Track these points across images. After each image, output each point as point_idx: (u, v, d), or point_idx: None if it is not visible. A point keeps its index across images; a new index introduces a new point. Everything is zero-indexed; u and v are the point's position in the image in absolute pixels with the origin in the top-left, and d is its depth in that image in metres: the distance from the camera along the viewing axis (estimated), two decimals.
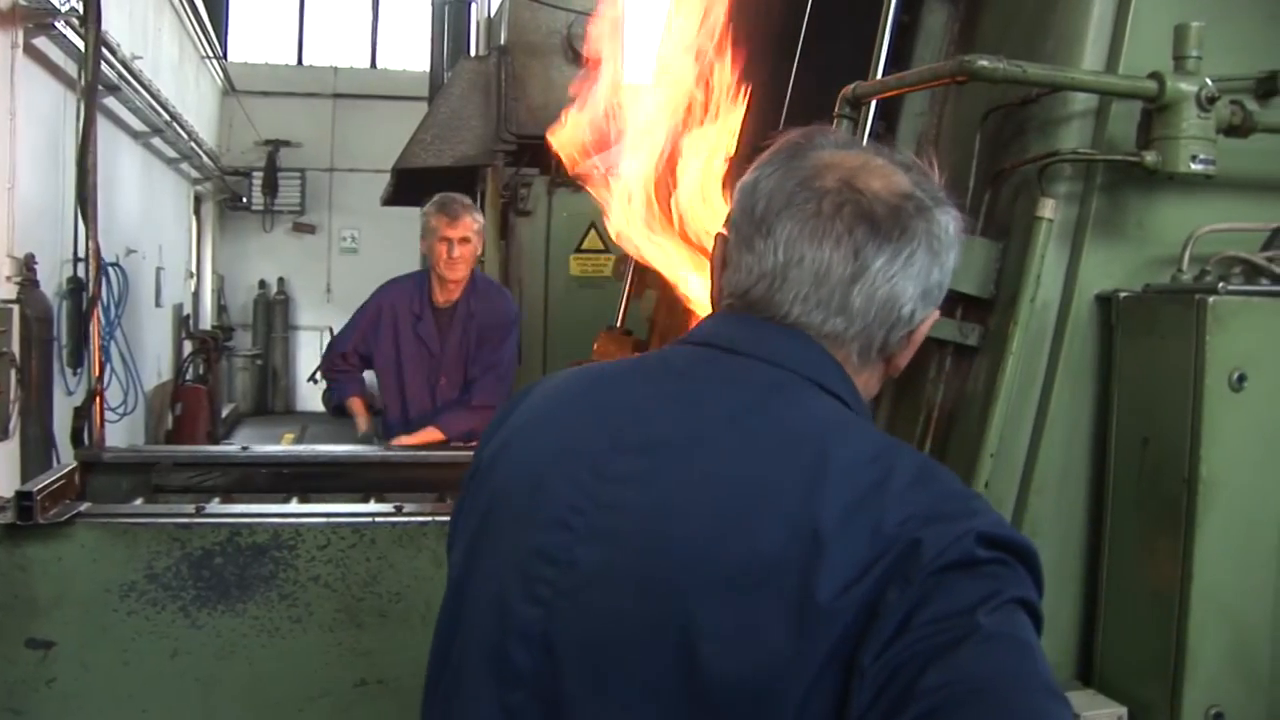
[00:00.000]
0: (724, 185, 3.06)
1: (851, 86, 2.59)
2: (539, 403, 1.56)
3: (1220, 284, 2.15)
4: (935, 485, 1.30)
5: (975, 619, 1.17)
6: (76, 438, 4.10)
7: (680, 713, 1.25)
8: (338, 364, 5.40)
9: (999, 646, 1.17)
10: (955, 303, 2.45)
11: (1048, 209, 2.29)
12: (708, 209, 3.05)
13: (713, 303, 1.56)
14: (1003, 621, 1.18)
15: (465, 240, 5.05)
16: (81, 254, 4.39)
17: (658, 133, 3.28)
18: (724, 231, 1.51)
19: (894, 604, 1.18)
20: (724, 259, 1.50)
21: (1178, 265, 2.28)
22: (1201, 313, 2.10)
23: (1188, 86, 2.20)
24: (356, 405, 5.40)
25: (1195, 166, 2.20)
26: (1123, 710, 2.18)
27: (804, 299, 1.40)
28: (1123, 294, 2.30)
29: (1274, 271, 2.25)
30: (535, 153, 8.70)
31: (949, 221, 1.45)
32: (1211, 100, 2.20)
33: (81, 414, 4.14)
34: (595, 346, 4.17)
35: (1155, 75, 2.21)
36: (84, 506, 3.18)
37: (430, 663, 1.57)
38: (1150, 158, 2.22)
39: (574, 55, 8.49)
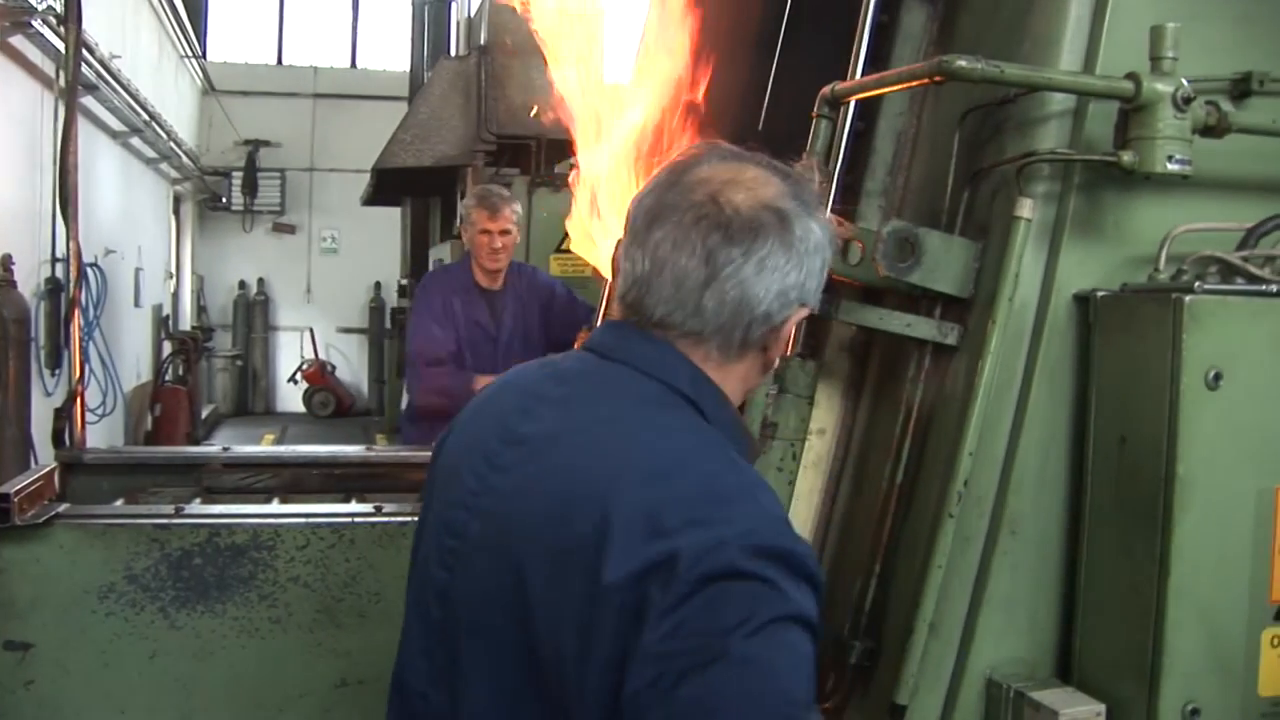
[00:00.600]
0: None
1: (830, 86, 2.60)
2: (474, 400, 1.83)
3: (1196, 283, 2.16)
4: (712, 490, 1.47)
5: (727, 643, 1.32)
6: (57, 438, 4.07)
7: (520, 660, 1.49)
8: (437, 349, 5.21)
9: (745, 672, 1.32)
10: (934, 302, 2.46)
11: (1026, 209, 2.30)
12: None
13: (610, 301, 1.71)
14: (757, 645, 1.33)
15: (506, 232, 5.20)
16: (61, 254, 4.38)
17: (624, 135, 3.29)
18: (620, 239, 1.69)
19: (658, 602, 1.36)
20: (616, 264, 1.70)
21: (1154, 265, 2.29)
22: (1178, 312, 2.11)
23: (1164, 87, 2.21)
24: (486, 383, 5.26)
25: (1171, 167, 2.22)
26: (1101, 707, 2.19)
27: (666, 301, 1.58)
28: (1100, 293, 2.31)
29: (1249, 271, 2.26)
30: (515, 152, 8.70)
31: (813, 227, 1.60)
32: (1187, 101, 2.21)
33: (62, 415, 4.12)
34: (575, 345, 4.17)
35: (1132, 76, 2.22)
36: (62, 508, 3.16)
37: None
38: (1127, 158, 2.23)
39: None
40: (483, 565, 1.57)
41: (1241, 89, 2.40)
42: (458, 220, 5.35)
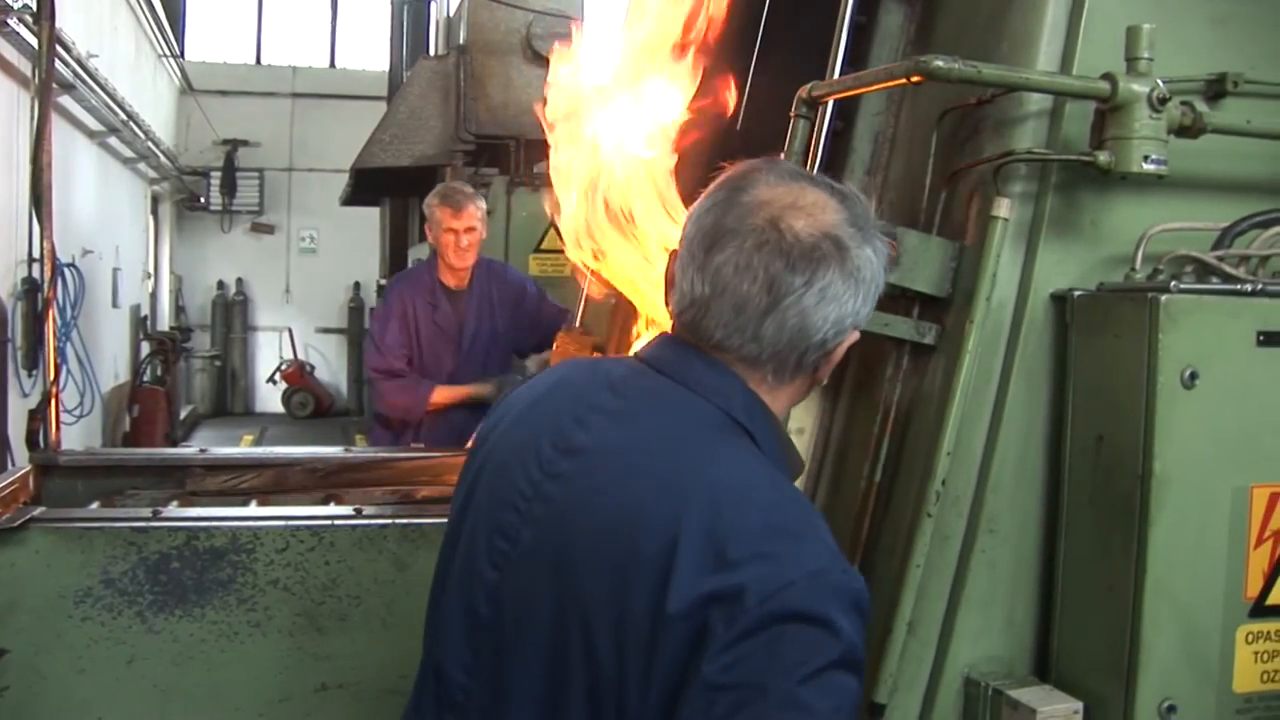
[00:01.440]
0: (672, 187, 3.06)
1: (808, 87, 2.60)
2: (518, 402, 1.83)
3: (1172, 283, 2.17)
4: (778, 523, 1.51)
5: (784, 686, 1.38)
6: (32, 440, 4.05)
7: (572, 670, 1.52)
8: (388, 363, 5.24)
9: (797, 717, 1.37)
10: (912, 302, 2.47)
11: (1003, 208, 2.31)
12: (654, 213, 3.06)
13: (669, 313, 1.74)
14: (812, 693, 1.39)
15: (471, 229, 5.14)
16: (36, 255, 4.35)
17: (609, 133, 3.28)
18: (677, 249, 1.70)
19: (720, 634, 1.40)
20: (671, 279, 1.71)
21: (1131, 264, 2.30)
22: (1154, 311, 2.12)
23: (1139, 87, 2.22)
24: (443, 395, 5.20)
25: (1147, 166, 2.23)
26: (1079, 705, 2.20)
27: (725, 325, 1.60)
28: (1077, 293, 2.32)
29: (1224, 270, 2.28)
30: (494, 152, 8.69)
31: (869, 256, 1.63)
32: (1163, 101, 2.22)
33: (36, 416, 4.09)
34: (555, 346, 4.16)
35: (1108, 76, 2.23)
36: (37, 511, 3.14)
37: (430, 599, 1.85)
38: (1103, 158, 2.24)
39: (533, 55, 8.48)
40: (537, 573, 1.60)
41: (1216, 90, 2.42)
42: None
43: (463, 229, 5.12)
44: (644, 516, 1.51)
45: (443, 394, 5.14)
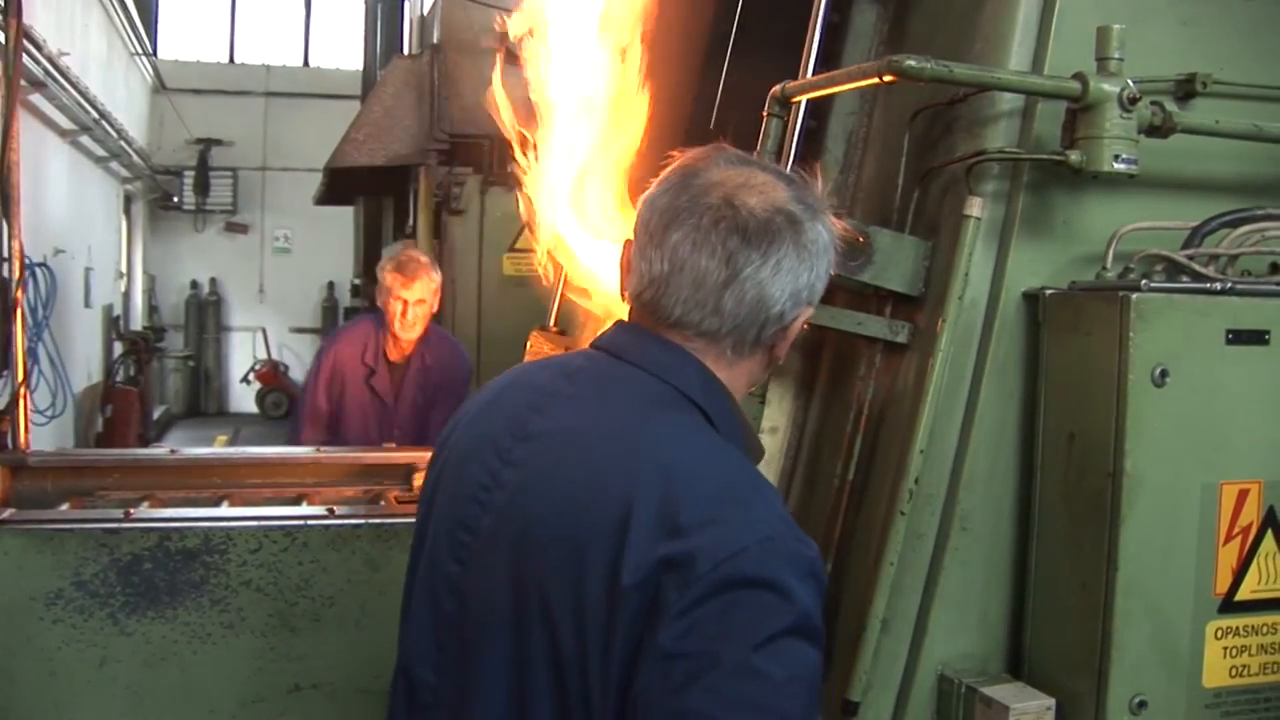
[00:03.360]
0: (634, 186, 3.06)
1: (780, 86, 2.60)
2: (481, 395, 1.86)
3: (1143, 281, 2.19)
4: (728, 491, 1.53)
5: (739, 653, 1.39)
6: (0, 441, 4.02)
7: (536, 654, 1.53)
8: (321, 418, 5.16)
9: (752, 684, 1.39)
10: (885, 301, 2.47)
11: (975, 207, 2.32)
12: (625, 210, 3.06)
13: (624, 300, 1.78)
14: (767, 659, 1.40)
15: (421, 301, 4.92)
16: (5, 254, 4.33)
17: (580, 133, 3.27)
18: (630, 239, 1.74)
19: (674, 601, 1.41)
20: (627, 264, 1.74)
21: (1102, 263, 2.31)
22: (1125, 310, 2.13)
23: (1110, 87, 2.23)
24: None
25: (1118, 166, 2.24)
26: (1051, 701, 2.21)
27: (684, 301, 1.63)
28: (1049, 291, 2.33)
29: (1194, 269, 2.29)
30: (468, 152, 8.67)
31: (820, 231, 1.68)
32: (1133, 101, 2.24)
33: (5, 417, 4.06)
34: (529, 345, 4.15)
35: (1079, 76, 2.24)
36: (8, 513, 3.12)
37: (402, 605, 1.86)
38: (1075, 157, 2.25)
39: (507, 54, 8.45)
40: (496, 559, 1.62)
41: (1186, 90, 2.43)
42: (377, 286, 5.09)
43: (413, 300, 4.89)
44: (598, 493, 1.53)
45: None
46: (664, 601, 1.42)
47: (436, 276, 5.00)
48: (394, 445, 4.74)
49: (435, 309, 5.06)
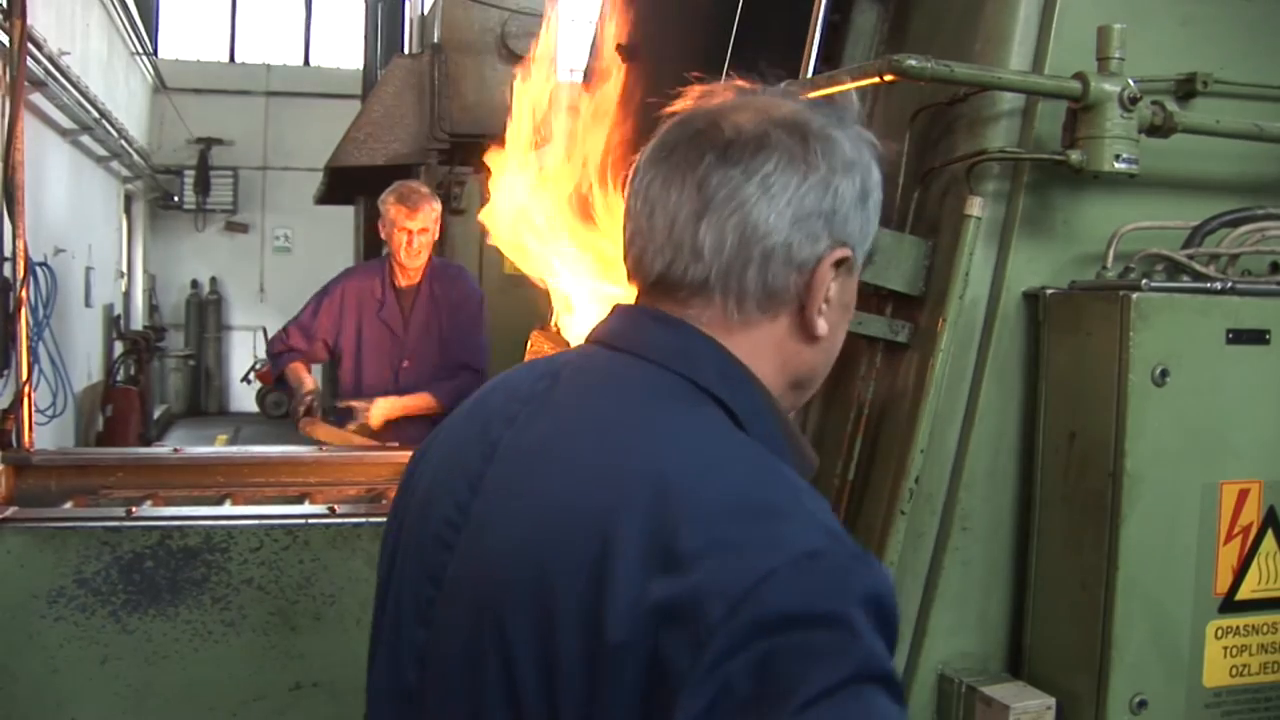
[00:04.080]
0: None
1: (782, 85, 2.60)
2: (460, 408, 1.47)
3: (1143, 281, 2.19)
4: (744, 499, 1.13)
5: None
6: (4, 440, 4.03)
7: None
8: (287, 340, 5.42)
9: None
10: (885, 300, 2.48)
11: (975, 207, 2.32)
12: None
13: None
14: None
15: (424, 230, 5.14)
16: (8, 254, 4.32)
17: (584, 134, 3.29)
18: None
19: (684, 670, 1.02)
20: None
21: (1102, 263, 2.32)
22: (1125, 309, 2.14)
23: (1111, 87, 2.23)
24: (298, 368, 5.39)
25: (1119, 165, 2.24)
26: (1051, 701, 2.22)
27: (661, 250, 1.28)
28: (1049, 291, 2.34)
29: (1195, 269, 2.30)
30: (469, 151, 8.67)
31: (844, 142, 1.30)
32: (1134, 101, 2.24)
33: (8, 416, 4.07)
34: (529, 345, 4.16)
35: (1079, 76, 2.25)
36: (10, 511, 3.12)
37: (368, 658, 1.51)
38: (1075, 157, 2.25)
39: (508, 53, 8.47)
40: (460, 618, 1.25)
41: (1186, 89, 2.44)
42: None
43: (416, 229, 5.11)
44: (569, 519, 1.16)
45: (384, 407, 5.09)
46: (671, 670, 1.03)
47: (437, 205, 5.24)
48: (409, 365, 5.15)
49: (437, 236, 5.29)
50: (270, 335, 5.46)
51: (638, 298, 1.36)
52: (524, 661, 1.14)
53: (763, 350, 1.30)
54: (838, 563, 1.07)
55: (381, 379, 5.23)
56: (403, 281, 5.27)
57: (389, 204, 5.16)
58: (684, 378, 1.26)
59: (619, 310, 1.38)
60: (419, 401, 5.04)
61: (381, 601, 1.44)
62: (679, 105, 1.38)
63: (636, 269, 1.33)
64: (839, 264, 1.30)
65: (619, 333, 1.34)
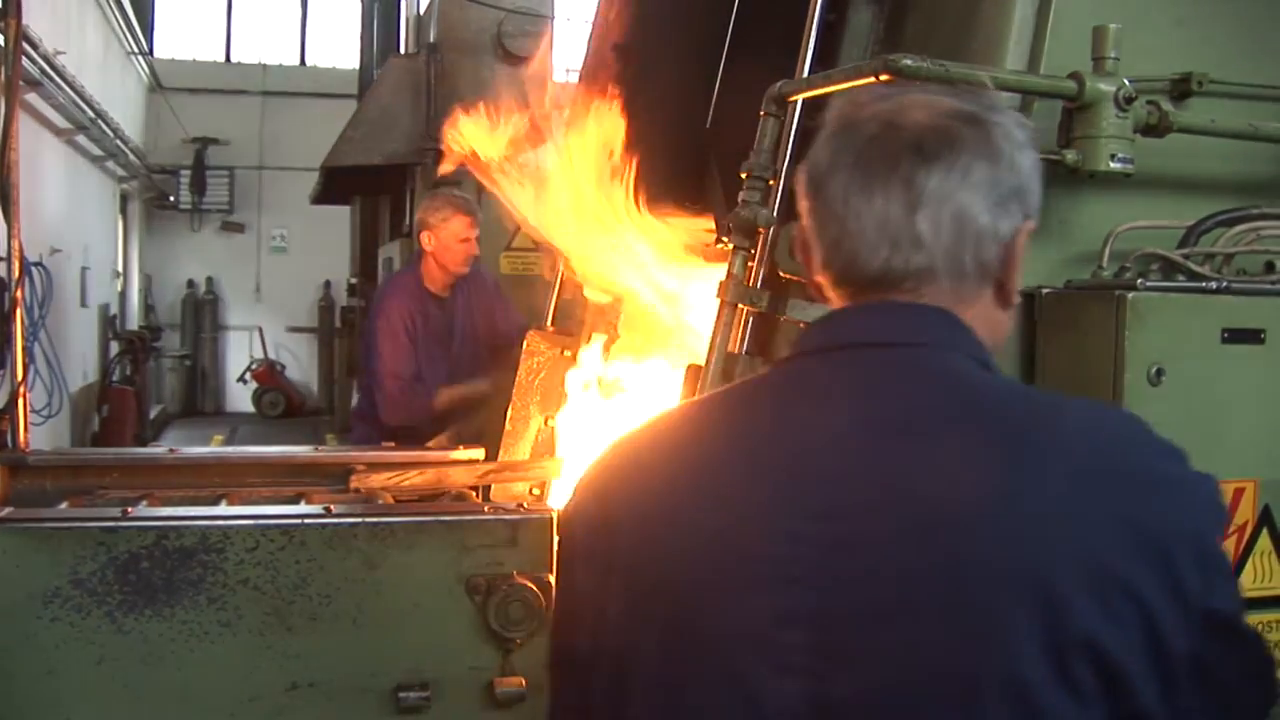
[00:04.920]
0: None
1: (777, 85, 2.61)
2: (661, 469, 1.41)
3: (1139, 280, 2.19)
4: (1168, 467, 1.35)
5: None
6: (0, 441, 4.02)
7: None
8: (417, 389, 5.23)
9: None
10: None
11: None
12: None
13: (816, 289, 1.51)
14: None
15: (478, 238, 5.30)
16: (3, 253, 4.33)
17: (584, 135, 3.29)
18: (801, 221, 1.48)
19: (1181, 651, 1.20)
20: (804, 245, 1.48)
21: (1098, 262, 2.32)
22: (1121, 308, 2.14)
23: (1106, 87, 2.24)
24: (446, 397, 5.20)
25: (1114, 165, 2.25)
26: None
27: (874, 247, 1.36)
28: (1045, 290, 2.34)
29: (1190, 268, 2.30)
30: None
31: (1009, 126, 1.40)
32: (1129, 100, 2.24)
33: (4, 416, 4.06)
34: (525, 345, 4.16)
35: (1075, 75, 2.25)
36: (6, 511, 3.12)
37: None
38: (1071, 156, 2.26)
39: (504, 53, 8.48)
40: (901, 648, 1.21)
41: (1181, 89, 2.44)
42: (417, 225, 5.36)
43: (475, 237, 5.25)
44: (1023, 517, 1.21)
45: (445, 396, 5.16)
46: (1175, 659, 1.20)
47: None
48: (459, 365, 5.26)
49: None
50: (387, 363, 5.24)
51: (852, 296, 1.42)
52: (1036, 675, 1.16)
53: (979, 323, 1.40)
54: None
55: (430, 387, 5.25)
56: (441, 290, 5.32)
57: (447, 215, 5.20)
58: (975, 360, 1.37)
59: (868, 308, 1.41)
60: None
61: (623, 673, 1.36)
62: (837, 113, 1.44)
63: (849, 269, 1.40)
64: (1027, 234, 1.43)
65: (876, 328, 1.39)
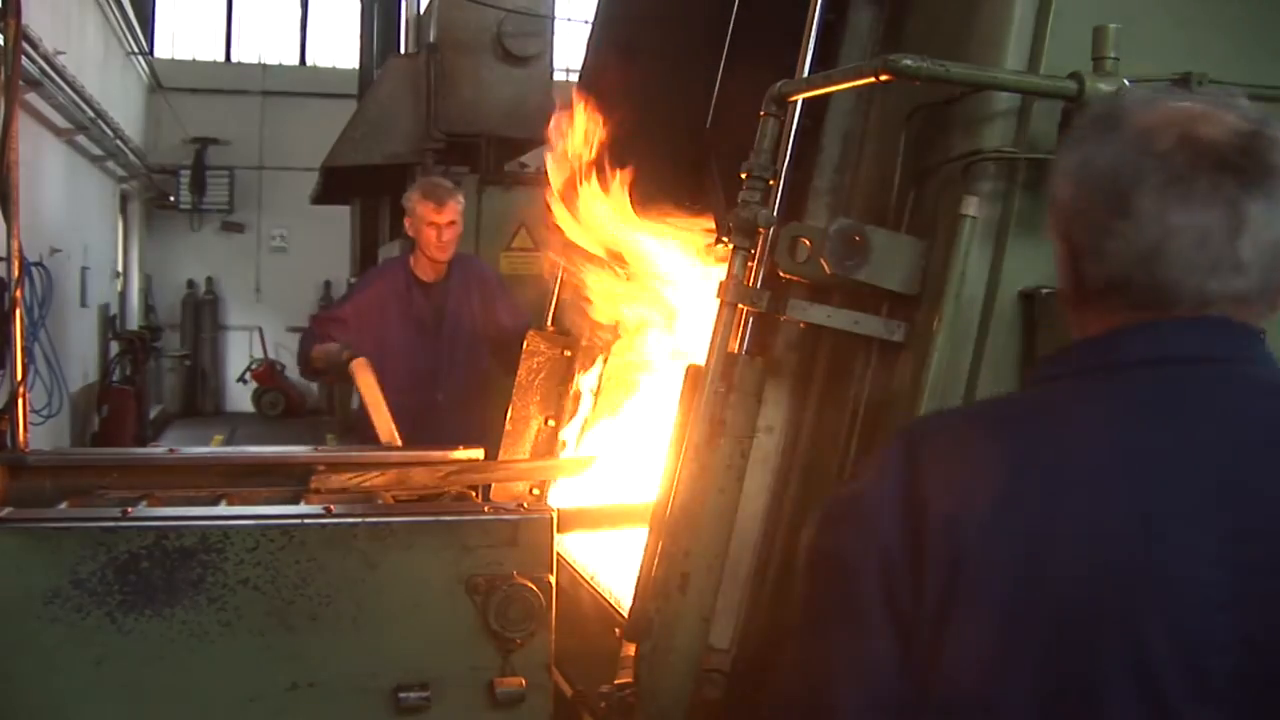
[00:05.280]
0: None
1: (777, 85, 2.61)
2: (1022, 485, 1.40)
3: None
4: None
5: None
6: None
7: None
8: (331, 329, 5.21)
9: None
10: (881, 300, 2.48)
11: (972, 206, 2.32)
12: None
13: (1068, 300, 1.55)
14: None
15: (452, 223, 5.28)
16: (3, 253, 4.33)
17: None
18: (1053, 224, 1.50)
19: None
20: (1073, 251, 1.47)
21: None
22: None
23: (1106, 86, 2.24)
24: (321, 350, 4.99)
25: None
26: None
27: (1193, 268, 1.36)
28: (1045, 290, 2.34)
29: None
30: (465, 150, 8.68)
31: None
32: None
33: (4, 417, 4.05)
34: (525, 346, 4.16)
35: (1075, 75, 2.25)
36: (5, 511, 3.11)
37: None
38: None
39: (504, 53, 8.48)
40: None
41: (1182, 89, 2.44)
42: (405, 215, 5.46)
43: (444, 223, 5.25)
44: None
45: (319, 350, 4.97)
46: None
47: (461, 198, 5.41)
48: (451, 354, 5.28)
49: (462, 229, 5.42)
50: (263, 333, 5.42)
51: (1142, 311, 1.41)
52: None
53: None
54: None
55: (412, 375, 5.24)
56: (429, 276, 5.37)
57: (415, 201, 5.30)
58: None
59: (1188, 324, 1.40)
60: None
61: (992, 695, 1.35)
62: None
63: (1147, 289, 1.38)
64: None
65: (1194, 346, 1.40)
